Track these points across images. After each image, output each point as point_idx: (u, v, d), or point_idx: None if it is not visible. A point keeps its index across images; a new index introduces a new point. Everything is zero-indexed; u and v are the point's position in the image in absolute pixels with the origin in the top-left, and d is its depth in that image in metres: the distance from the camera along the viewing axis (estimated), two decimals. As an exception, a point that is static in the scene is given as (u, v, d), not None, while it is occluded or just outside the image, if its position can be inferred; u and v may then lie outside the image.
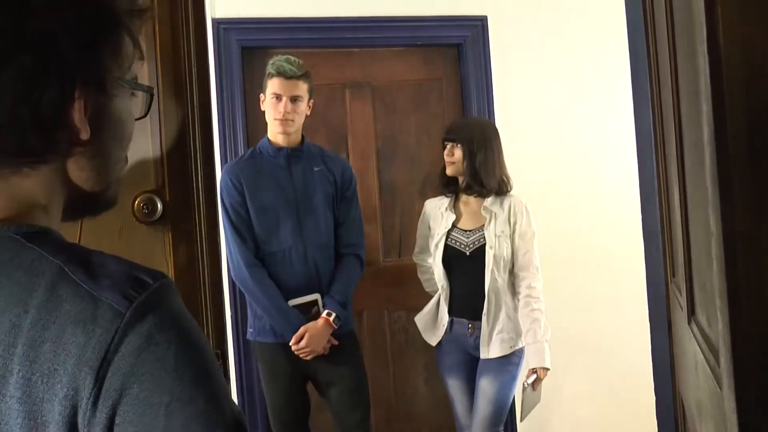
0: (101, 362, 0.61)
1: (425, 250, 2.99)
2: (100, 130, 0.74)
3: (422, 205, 3.04)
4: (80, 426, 0.61)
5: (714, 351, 1.12)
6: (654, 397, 2.18)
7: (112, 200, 0.82)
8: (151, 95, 0.84)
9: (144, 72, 1.36)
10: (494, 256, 2.77)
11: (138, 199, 1.37)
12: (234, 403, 0.67)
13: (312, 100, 2.79)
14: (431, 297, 2.99)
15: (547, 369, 2.78)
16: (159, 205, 1.38)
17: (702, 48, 0.91)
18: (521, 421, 2.86)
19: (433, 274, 2.98)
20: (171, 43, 1.39)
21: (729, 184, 0.88)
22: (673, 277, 1.89)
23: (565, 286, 3.34)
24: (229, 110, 3.27)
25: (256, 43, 3.35)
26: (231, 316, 3.22)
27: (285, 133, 2.71)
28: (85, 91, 0.71)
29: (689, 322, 1.45)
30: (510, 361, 2.80)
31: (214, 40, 3.20)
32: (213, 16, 3.23)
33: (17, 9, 0.67)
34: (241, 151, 3.28)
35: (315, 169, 2.76)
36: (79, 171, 0.75)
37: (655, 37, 1.90)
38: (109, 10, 0.73)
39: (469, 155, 2.81)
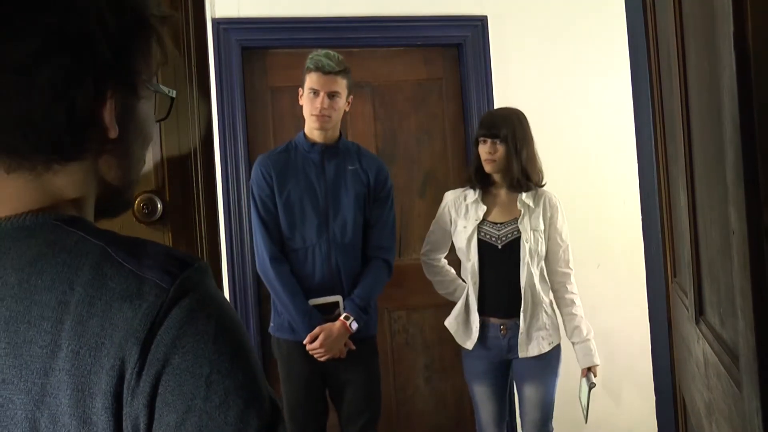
0: (147, 334, 0.64)
1: (438, 248, 2.87)
2: (126, 130, 0.76)
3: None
4: (124, 396, 0.64)
5: (729, 351, 1.11)
6: (654, 397, 2.18)
7: (130, 200, 0.85)
8: (173, 98, 0.86)
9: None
10: (529, 250, 2.68)
11: (138, 199, 1.37)
12: (267, 383, 0.70)
13: (351, 96, 2.71)
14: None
15: (597, 364, 2.78)
16: (159, 205, 1.37)
17: (727, 43, 0.90)
18: (586, 422, 2.84)
19: (446, 274, 2.88)
20: (171, 43, 1.39)
21: (755, 182, 0.86)
22: (675, 276, 1.88)
23: (566, 286, 3.34)
24: (229, 110, 3.27)
25: (256, 43, 3.35)
26: (231, 316, 3.22)
27: (322, 129, 2.64)
28: (116, 91, 0.73)
29: (696, 322, 1.44)
30: (549, 360, 2.73)
31: (214, 40, 3.20)
32: (213, 16, 3.23)
33: (60, 10, 0.69)
34: (241, 151, 3.28)
35: (349, 167, 2.69)
36: (108, 170, 0.77)
37: (656, 36, 1.90)
38: (142, 15, 0.75)
39: (516, 153, 2.69)
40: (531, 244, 2.68)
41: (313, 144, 2.67)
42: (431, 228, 2.90)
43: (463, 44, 3.53)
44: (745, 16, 0.85)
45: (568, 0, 3.58)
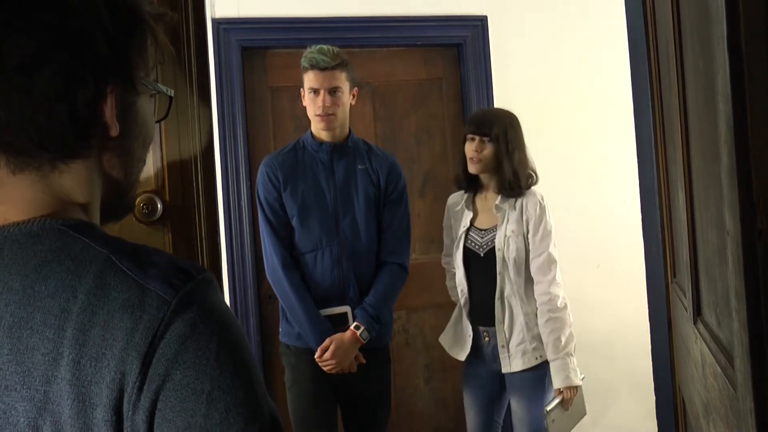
0: (148, 347, 0.63)
1: (449, 252, 2.77)
2: (127, 129, 0.76)
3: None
4: (125, 410, 0.63)
5: (725, 351, 1.11)
6: (654, 397, 2.18)
7: (133, 202, 0.85)
8: (171, 98, 0.85)
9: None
10: (503, 259, 2.54)
11: (138, 199, 1.37)
12: (270, 399, 0.69)
13: (356, 89, 2.57)
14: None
15: (576, 387, 2.52)
16: (159, 205, 1.37)
17: (721, 46, 0.90)
18: None
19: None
20: (171, 43, 1.39)
21: (748, 183, 0.86)
22: (675, 277, 1.88)
23: (565, 286, 3.33)
24: (228, 110, 3.27)
25: (256, 43, 3.35)
26: (231, 316, 3.22)
27: (328, 129, 2.51)
28: (115, 87, 0.73)
29: (695, 322, 1.44)
30: (538, 374, 2.56)
31: (214, 40, 3.20)
32: (213, 16, 3.23)
33: (58, 8, 0.70)
34: (241, 151, 3.28)
35: (359, 167, 2.55)
36: (110, 169, 0.77)
37: (655, 36, 1.90)
38: (137, 11, 0.76)
39: (507, 153, 2.55)
40: (504, 252, 2.54)
41: (321, 143, 2.54)
42: (443, 232, 2.82)
43: (463, 44, 3.53)
44: (738, 19, 0.86)
45: (568, 0, 3.59)
